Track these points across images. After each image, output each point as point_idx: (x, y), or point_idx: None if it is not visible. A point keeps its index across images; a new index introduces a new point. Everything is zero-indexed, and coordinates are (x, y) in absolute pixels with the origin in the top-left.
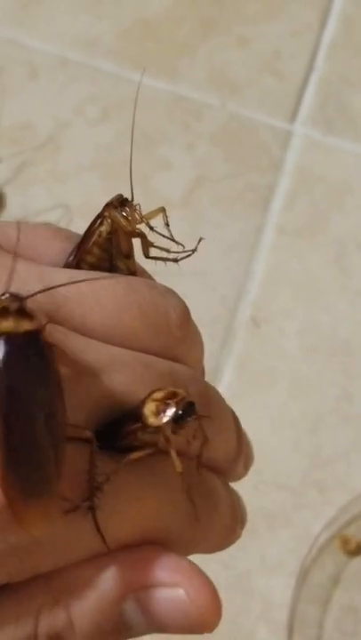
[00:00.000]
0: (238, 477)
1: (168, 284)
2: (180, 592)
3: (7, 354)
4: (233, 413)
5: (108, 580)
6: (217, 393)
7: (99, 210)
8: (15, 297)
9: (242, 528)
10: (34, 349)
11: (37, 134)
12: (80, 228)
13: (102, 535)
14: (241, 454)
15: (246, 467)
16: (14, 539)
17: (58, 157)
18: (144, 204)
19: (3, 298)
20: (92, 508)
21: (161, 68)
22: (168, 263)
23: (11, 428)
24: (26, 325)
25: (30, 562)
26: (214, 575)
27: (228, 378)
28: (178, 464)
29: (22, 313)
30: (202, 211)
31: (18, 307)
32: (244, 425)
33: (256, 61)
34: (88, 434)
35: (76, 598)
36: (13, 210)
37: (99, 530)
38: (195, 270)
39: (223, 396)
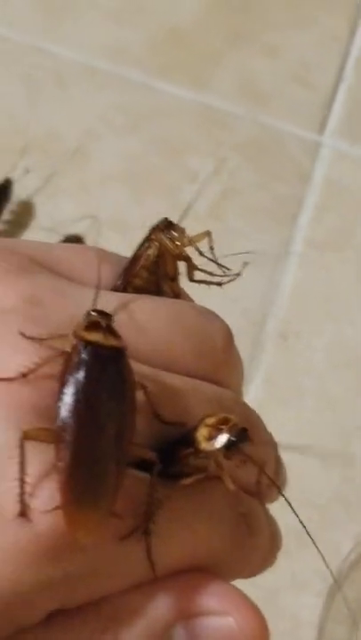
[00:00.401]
0: (273, 500)
1: (196, 298)
2: (230, 620)
3: (92, 364)
4: (272, 436)
5: (157, 608)
6: (258, 416)
7: (127, 221)
8: (104, 314)
9: (278, 552)
10: (116, 365)
11: (65, 144)
12: (108, 239)
13: (153, 562)
14: (278, 478)
15: (281, 490)
16: (69, 566)
17: (86, 167)
18: (171, 214)
19: (93, 314)
20: (147, 534)
21: (189, 78)
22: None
23: (81, 433)
24: (112, 341)
25: (83, 589)
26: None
27: (254, 392)
28: (232, 489)
29: (110, 330)
30: (229, 222)
31: (107, 323)
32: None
33: (284, 72)
34: (152, 455)
35: (125, 625)
36: (42, 220)
37: (150, 556)
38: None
39: None
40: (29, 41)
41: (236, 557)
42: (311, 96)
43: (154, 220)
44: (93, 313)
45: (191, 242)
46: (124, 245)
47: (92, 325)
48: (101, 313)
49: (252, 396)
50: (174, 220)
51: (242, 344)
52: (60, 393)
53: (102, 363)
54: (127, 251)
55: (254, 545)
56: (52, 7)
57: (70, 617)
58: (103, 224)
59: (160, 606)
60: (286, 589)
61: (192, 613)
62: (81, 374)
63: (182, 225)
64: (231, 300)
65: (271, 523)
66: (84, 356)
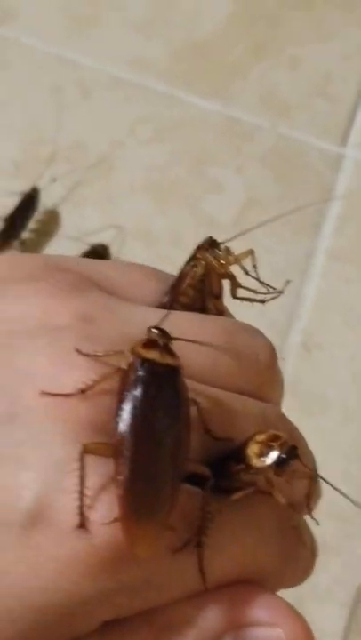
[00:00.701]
0: (309, 512)
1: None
2: (279, 632)
3: (149, 381)
4: (310, 450)
5: (207, 619)
6: (300, 432)
7: (151, 231)
8: (164, 333)
9: (315, 561)
10: (172, 382)
11: (90, 154)
12: (133, 248)
13: (204, 574)
14: (314, 491)
15: (316, 502)
16: (125, 578)
17: (110, 177)
18: (195, 226)
19: (153, 331)
20: (199, 546)
21: (213, 90)
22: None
23: (139, 448)
24: (169, 360)
25: (138, 600)
26: None
27: None
28: (283, 504)
29: (167, 349)
30: (252, 234)
31: (165, 342)
32: None
33: (307, 84)
34: (205, 470)
35: (176, 635)
36: (68, 229)
37: (202, 568)
38: (245, 294)
39: None
40: (56, 52)
41: (283, 569)
42: (334, 108)
43: (178, 229)
44: (154, 330)
45: (236, 260)
46: (148, 255)
47: (149, 343)
48: (162, 331)
49: None
50: (198, 231)
51: None
52: (118, 409)
53: (159, 380)
54: (150, 260)
55: (299, 557)
56: (79, 19)
57: (123, 626)
58: (127, 234)
59: (210, 617)
60: (310, 600)
61: (241, 624)
62: (138, 391)
63: (206, 236)
64: (259, 312)
65: (310, 533)
66: (140, 373)
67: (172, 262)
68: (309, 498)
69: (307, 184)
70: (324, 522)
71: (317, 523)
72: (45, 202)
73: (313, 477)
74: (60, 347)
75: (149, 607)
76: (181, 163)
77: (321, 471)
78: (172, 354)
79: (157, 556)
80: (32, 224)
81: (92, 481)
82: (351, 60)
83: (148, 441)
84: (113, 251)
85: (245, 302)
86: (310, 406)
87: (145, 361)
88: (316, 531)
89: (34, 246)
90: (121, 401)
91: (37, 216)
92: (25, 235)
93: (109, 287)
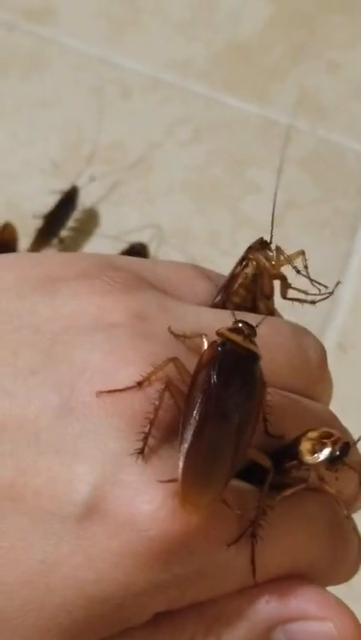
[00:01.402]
0: (356, 510)
1: None
2: (330, 626)
3: (227, 359)
4: (357, 449)
5: (258, 611)
6: (348, 431)
7: (189, 231)
8: (250, 326)
9: None
10: (250, 367)
11: (129, 154)
12: (171, 248)
13: (254, 567)
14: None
15: None
16: (179, 570)
17: (149, 177)
18: (233, 227)
19: (240, 324)
20: (254, 536)
21: (251, 92)
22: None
23: (206, 419)
24: (251, 346)
25: (191, 591)
26: None
27: None
28: (339, 502)
29: (251, 339)
30: (290, 235)
31: (249, 332)
32: None
33: (346, 87)
34: (268, 462)
35: (227, 627)
36: (106, 228)
37: (253, 561)
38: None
39: None
40: (97, 53)
41: (332, 565)
42: None
43: (216, 230)
44: (240, 323)
45: (288, 261)
46: (186, 254)
47: (235, 329)
48: (247, 324)
49: None
50: (236, 232)
51: None
52: (194, 378)
53: (237, 361)
54: (188, 260)
55: (348, 554)
56: (119, 20)
57: (175, 618)
58: (165, 233)
59: (261, 610)
60: (344, 599)
61: (292, 618)
62: (215, 365)
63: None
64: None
65: (357, 530)
66: (221, 350)
67: (210, 262)
68: (358, 495)
69: (344, 186)
70: (358, 520)
71: None
72: (84, 201)
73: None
74: (115, 343)
75: (202, 599)
76: (219, 163)
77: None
78: (255, 344)
79: (211, 549)
80: (71, 222)
81: (147, 475)
82: None
83: (216, 413)
84: (151, 250)
85: (281, 305)
86: (346, 407)
87: (227, 340)
88: None
89: (73, 245)
90: (197, 372)
91: (76, 215)
92: (64, 233)
93: (161, 286)
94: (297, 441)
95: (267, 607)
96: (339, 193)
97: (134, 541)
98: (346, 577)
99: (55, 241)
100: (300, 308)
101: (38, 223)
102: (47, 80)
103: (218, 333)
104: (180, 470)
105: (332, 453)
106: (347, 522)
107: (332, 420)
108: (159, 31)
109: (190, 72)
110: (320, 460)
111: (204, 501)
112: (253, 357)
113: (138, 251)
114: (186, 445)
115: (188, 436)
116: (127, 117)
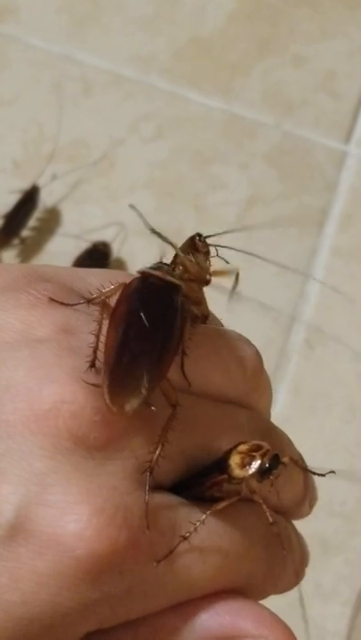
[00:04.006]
0: (303, 516)
1: (222, 306)
2: None
3: (150, 288)
4: (300, 456)
5: (193, 630)
6: (288, 438)
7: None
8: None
9: (306, 567)
10: (171, 295)
11: (92, 151)
12: (134, 246)
13: None
14: (307, 495)
15: (311, 506)
16: (107, 588)
17: (112, 175)
18: (198, 223)
19: (161, 264)
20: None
21: (215, 87)
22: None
23: (128, 336)
24: (170, 278)
25: (121, 610)
26: (268, 602)
27: (281, 401)
28: (270, 519)
29: (172, 273)
30: (255, 231)
31: (168, 268)
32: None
33: (311, 81)
34: (176, 399)
35: None
36: (68, 227)
37: None
38: (248, 292)
39: (276, 420)
40: (57, 50)
41: (270, 577)
42: (337, 105)
43: (181, 227)
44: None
45: (214, 272)
46: (150, 252)
47: (156, 267)
48: (168, 264)
49: (279, 404)
50: (201, 228)
51: (269, 353)
52: (115, 308)
53: (158, 289)
54: (152, 258)
55: (286, 563)
56: (80, 16)
57: (108, 637)
58: (129, 231)
59: (196, 629)
60: (312, 599)
61: (228, 636)
62: (136, 294)
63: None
64: (263, 310)
65: (300, 538)
66: (140, 282)
67: None
68: (303, 500)
69: (310, 181)
70: (327, 520)
71: None
72: (46, 200)
73: (306, 480)
74: (40, 359)
75: (134, 617)
76: (183, 160)
77: (325, 468)
78: (175, 277)
79: (139, 567)
80: (32, 222)
81: (73, 493)
82: (355, 57)
83: (138, 332)
84: (114, 248)
85: (248, 301)
86: (314, 404)
87: (148, 275)
88: (318, 529)
89: (34, 244)
90: (119, 302)
91: (38, 214)
92: (25, 233)
93: (92, 296)
94: (227, 455)
95: (201, 625)
96: (305, 188)
97: (60, 562)
98: (286, 587)
99: (16, 241)
100: (266, 304)
101: None
102: (7, 78)
103: (139, 271)
104: (103, 377)
105: (261, 466)
106: (286, 530)
107: (268, 430)
108: (121, 27)
109: (153, 68)
110: (249, 473)
111: (131, 406)
112: (174, 287)
113: (100, 249)
114: (111, 358)
115: (113, 351)
116: (89, 114)
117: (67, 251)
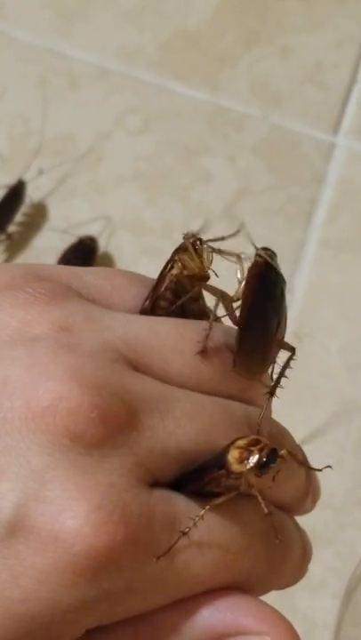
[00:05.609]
0: (306, 512)
1: (208, 299)
2: (267, 639)
3: (269, 275)
4: (301, 450)
5: (193, 627)
6: (287, 432)
7: (140, 222)
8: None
9: (308, 563)
10: (280, 282)
11: (78, 145)
12: (122, 240)
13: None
14: (309, 491)
15: (314, 501)
16: (107, 585)
17: (98, 169)
18: (185, 217)
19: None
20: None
21: (202, 79)
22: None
23: (257, 318)
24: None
25: (121, 607)
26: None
27: None
28: (266, 510)
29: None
30: (244, 223)
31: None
32: None
33: (299, 72)
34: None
35: None
36: (55, 221)
37: None
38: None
39: None
40: (43, 43)
41: (270, 572)
42: (325, 97)
43: (168, 220)
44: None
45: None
46: (138, 246)
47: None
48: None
49: None
50: (189, 221)
51: None
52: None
53: (274, 276)
54: (140, 251)
55: (287, 559)
56: (66, 9)
57: (108, 634)
58: (117, 225)
59: (197, 626)
60: (301, 591)
61: (229, 633)
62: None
63: (197, 227)
64: None
65: (302, 534)
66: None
67: (163, 253)
68: (306, 495)
69: (298, 173)
70: (316, 512)
71: None
72: (32, 195)
73: (308, 475)
74: (37, 357)
75: (134, 614)
76: (171, 153)
77: (312, 462)
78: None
79: (139, 563)
80: (19, 217)
81: (71, 489)
82: (343, 48)
83: (263, 315)
84: (102, 242)
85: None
86: (302, 397)
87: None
88: (307, 521)
89: (21, 240)
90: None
91: (24, 209)
92: (12, 228)
93: (89, 294)
94: (226, 450)
95: (202, 622)
96: (293, 180)
97: (59, 558)
98: (289, 582)
99: (3, 236)
100: None
101: None
102: None
103: (259, 255)
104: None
105: (259, 460)
106: (286, 525)
107: (268, 424)
108: (107, 20)
109: (139, 61)
110: (247, 468)
111: (253, 372)
112: (281, 276)
113: (87, 244)
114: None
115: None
116: (75, 108)
117: (54, 245)
